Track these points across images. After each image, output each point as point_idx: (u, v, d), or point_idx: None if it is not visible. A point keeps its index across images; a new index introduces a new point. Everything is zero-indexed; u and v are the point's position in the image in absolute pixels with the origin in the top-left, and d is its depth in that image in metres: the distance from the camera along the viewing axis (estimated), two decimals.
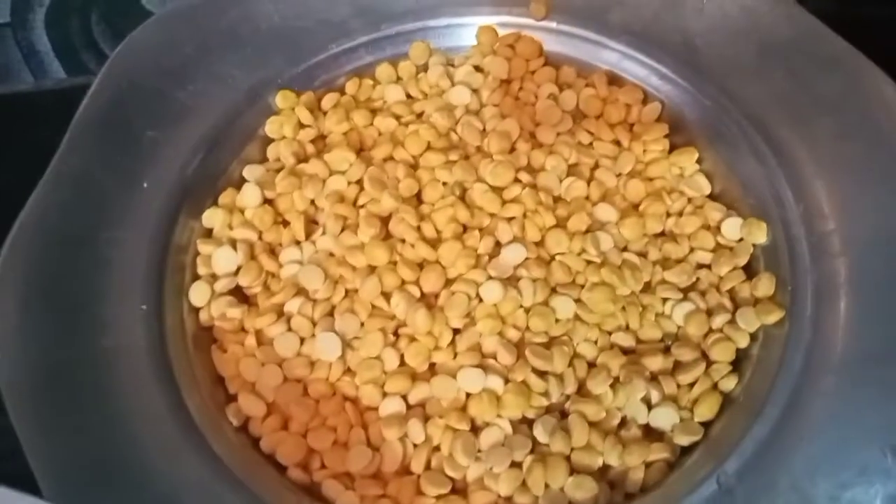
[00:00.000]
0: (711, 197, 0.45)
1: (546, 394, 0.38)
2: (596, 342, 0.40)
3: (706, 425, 0.38)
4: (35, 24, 0.62)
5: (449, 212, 0.42)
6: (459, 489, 0.37)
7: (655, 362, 0.39)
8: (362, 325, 0.40)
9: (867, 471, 0.34)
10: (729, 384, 0.39)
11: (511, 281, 0.41)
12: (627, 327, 0.41)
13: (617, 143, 0.47)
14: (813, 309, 0.38)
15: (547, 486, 0.36)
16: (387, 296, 0.41)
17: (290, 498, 0.37)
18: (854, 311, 0.37)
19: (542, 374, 0.38)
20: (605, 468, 0.38)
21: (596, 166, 0.46)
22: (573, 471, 0.37)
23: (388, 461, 0.37)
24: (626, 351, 0.40)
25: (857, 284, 0.38)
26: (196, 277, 0.42)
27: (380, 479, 0.38)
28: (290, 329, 0.40)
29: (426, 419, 0.38)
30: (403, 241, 0.42)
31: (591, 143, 0.47)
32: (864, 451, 0.34)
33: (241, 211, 0.44)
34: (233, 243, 0.42)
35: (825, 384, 0.36)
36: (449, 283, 0.41)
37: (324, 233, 0.43)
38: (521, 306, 0.40)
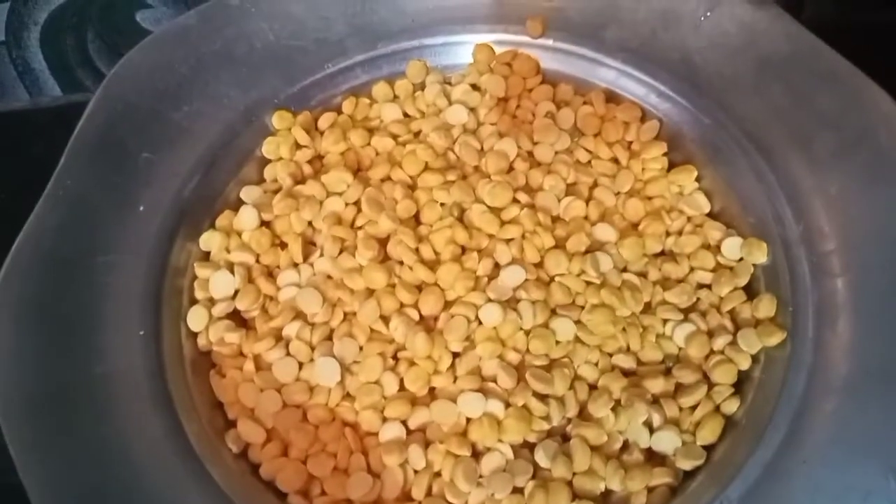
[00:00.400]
0: (711, 215, 0.45)
1: (547, 417, 0.38)
2: (597, 364, 0.40)
3: (708, 449, 0.38)
4: (30, 41, 0.62)
5: (447, 233, 0.42)
6: None
7: (657, 385, 0.39)
8: (361, 349, 0.40)
9: (872, 495, 0.33)
10: (731, 407, 0.38)
11: (510, 303, 0.40)
12: (628, 349, 0.40)
13: (615, 161, 0.46)
14: (814, 330, 0.38)
15: None
16: (385, 319, 0.41)
17: None
18: (856, 331, 0.37)
19: (542, 398, 0.38)
20: (607, 493, 0.37)
21: (594, 185, 0.46)
22: (575, 496, 0.36)
23: (389, 488, 0.37)
24: (626, 373, 0.40)
25: (859, 304, 0.38)
26: (194, 301, 0.42)
27: None
28: (288, 354, 0.40)
29: (427, 444, 0.38)
30: (402, 263, 0.42)
31: (589, 162, 0.46)
32: (869, 474, 0.34)
33: (239, 233, 0.44)
34: (230, 267, 0.42)
35: (828, 406, 0.36)
36: (448, 305, 0.41)
37: (321, 255, 0.43)
38: (521, 329, 0.40)
